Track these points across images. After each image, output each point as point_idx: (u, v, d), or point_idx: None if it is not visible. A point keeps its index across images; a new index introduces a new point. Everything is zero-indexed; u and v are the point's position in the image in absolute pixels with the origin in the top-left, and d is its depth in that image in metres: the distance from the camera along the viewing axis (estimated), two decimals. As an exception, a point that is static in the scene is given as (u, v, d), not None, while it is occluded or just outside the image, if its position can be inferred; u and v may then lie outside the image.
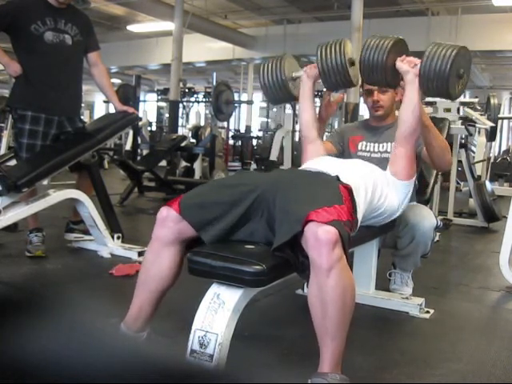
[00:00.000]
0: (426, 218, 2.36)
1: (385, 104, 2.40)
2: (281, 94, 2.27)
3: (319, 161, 2.08)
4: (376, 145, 2.43)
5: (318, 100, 7.35)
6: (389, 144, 2.40)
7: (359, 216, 1.71)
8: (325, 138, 2.71)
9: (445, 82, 1.90)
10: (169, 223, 1.58)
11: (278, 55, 2.33)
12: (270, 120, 16.92)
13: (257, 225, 1.61)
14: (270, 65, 2.25)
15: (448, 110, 4.69)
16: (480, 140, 6.36)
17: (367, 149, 2.44)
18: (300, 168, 2.03)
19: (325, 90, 2.37)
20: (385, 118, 2.45)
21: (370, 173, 1.98)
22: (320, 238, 1.38)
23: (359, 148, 2.46)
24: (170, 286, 1.63)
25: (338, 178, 1.74)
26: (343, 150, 2.51)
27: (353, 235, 1.58)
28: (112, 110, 3.61)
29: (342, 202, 1.54)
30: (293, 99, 2.38)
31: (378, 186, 1.93)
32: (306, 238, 1.42)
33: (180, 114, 11.06)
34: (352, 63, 2.11)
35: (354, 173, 1.87)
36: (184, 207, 1.59)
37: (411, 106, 2.00)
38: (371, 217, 1.96)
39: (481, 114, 5.47)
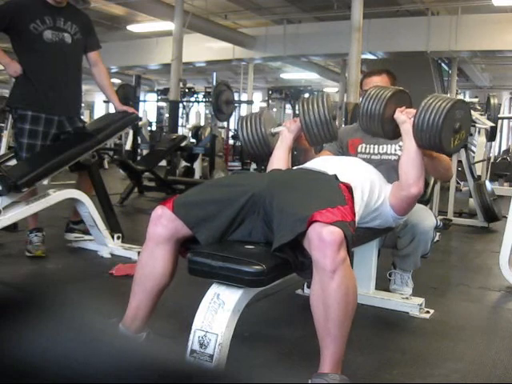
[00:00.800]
0: (426, 218, 2.36)
1: None
2: (261, 150, 2.17)
3: (317, 160, 2.08)
4: (376, 146, 2.42)
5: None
6: (388, 146, 2.40)
7: (356, 218, 1.70)
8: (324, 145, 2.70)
9: (437, 135, 1.84)
10: (163, 222, 1.58)
11: (256, 112, 2.25)
12: (269, 120, 16.87)
13: (254, 224, 1.61)
14: (248, 121, 2.17)
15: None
16: (480, 140, 6.35)
17: (367, 151, 2.44)
18: (297, 167, 2.02)
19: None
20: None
21: (367, 173, 1.97)
22: (325, 238, 1.38)
23: (359, 150, 2.46)
24: (167, 284, 1.63)
25: (336, 176, 1.74)
26: (343, 154, 2.51)
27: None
28: (112, 110, 3.61)
29: (345, 202, 1.54)
30: None
31: (376, 186, 1.92)
32: (309, 239, 1.41)
33: (180, 114, 11.04)
34: (334, 118, 2.07)
35: (350, 173, 1.86)
36: (177, 205, 1.59)
37: (410, 156, 1.95)
38: (369, 219, 1.95)
39: (481, 114, 5.48)
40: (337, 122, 2.16)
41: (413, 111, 1.97)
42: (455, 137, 1.92)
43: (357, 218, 1.73)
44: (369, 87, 2.38)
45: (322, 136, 2.07)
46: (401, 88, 2.07)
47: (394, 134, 2.07)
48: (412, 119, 1.93)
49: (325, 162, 1.98)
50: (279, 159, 2.09)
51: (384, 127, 2.02)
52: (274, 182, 1.66)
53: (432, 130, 1.84)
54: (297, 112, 2.29)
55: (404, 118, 1.99)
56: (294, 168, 2.01)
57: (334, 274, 1.39)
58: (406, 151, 1.97)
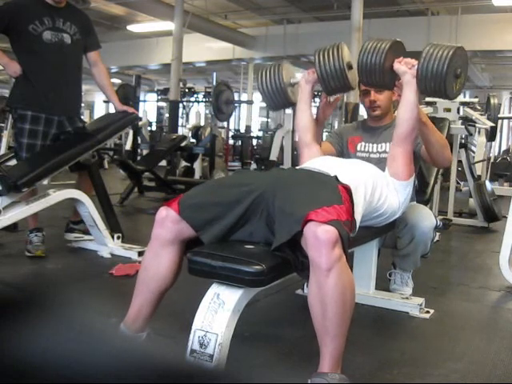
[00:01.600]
0: (426, 218, 2.36)
1: (382, 104, 2.40)
2: (280, 100, 2.28)
3: (319, 160, 2.08)
4: (375, 145, 2.43)
5: (318, 100, 7.35)
6: (387, 144, 2.40)
7: (358, 217, 1.71)
8: (324, 137, 2.71)
9: (442, 82, 1.91)
10: (168, 223, 1.58)
11: (275, 62, 2.33)
12: (269, 120, 16.93)
13: (256, 225, 1.61)
14: (267, 71, 2.26)
15: (448, 110, 4.69)
16: (480, 140, 6.36)
17: (366, 149, 2.44)
18: (299, 167, 2.03)
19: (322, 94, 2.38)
20: (382, 117, 2.45)
21: (369, 173, 1.98)
22: (319, 237, 1.38)
23: (358, 149, 2.46)
24: (170, 285, 1.63)
25: (336, 178, 1.74)
26: (342, 151, 2.52)
27: (352, 236, 1.57)
28: (112, 110, 3.61)
29: (342, 201, 1.54)
30: (291, 105, 2.38)
31: (378, 186, 1.93)
32: (305, 238, 1.42)
33: (180, 114, 11.05)
34: (350, 67, 2.12)
35: (353, 173, 1.87)
36: (183, 208, 1.59)
37: (409, 106, 2.02)
38: (371, 217, 1.96)
39: (481, 114, 5.47)
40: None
41: (412, 61, 2.02)
42: (456, 82, 2.00)
43: (359, 218, 1.73)
44: (367, 87, 2.38)
45: (338, 86, 2.14)
46: (397, 39, 2.11)
47: (393, 84, 2.14)
48: (412, 70, 1.99)
49: (327, 163, 1.98)
50: (301, 115, 2.27)
51: (385, 78, 2.07)
52: (277, 182, 1.66)
53: (437, 78, 1.91)
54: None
55: (404, 68, 2.03)
56: (297, 168, 2.02)
57: (329, 272, 1.39)
58: (406, 101, 2.02)
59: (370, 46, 2.05)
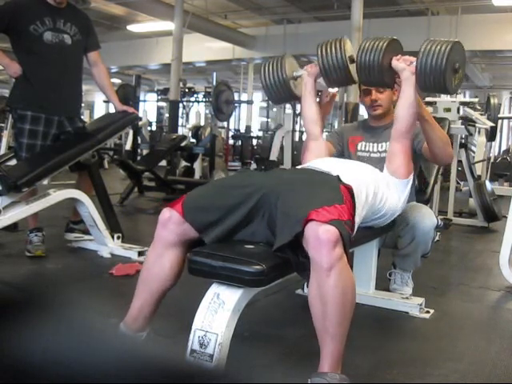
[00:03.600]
0: (427, 218, 2.36)
1: (383, 103, 2.40)
2: (282, 93, 2.28)
3: (321, 161, 2.08)
4: (375, 145, 2.43)
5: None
6: (388, 144, 2.39)
7: (357, 219, 1.70)
8: (324, 136, 2.71)
9: (441, 77, 1.92)
10: (171, 225, 1.58)
11: (279, 55, 2.34)
12: (269, 120, 16.92)
13: (258, 225, 1.61)
14: (270, 65, 2.27)
15: (448, 110, 4.68)
16: (480, 140, 6.35)
17: (366, 149, 2.44)
18: (301, 167, 2.03)
19: (322, 91, 2.38)
20: (383, 117, 2.45)
21: (371, 176, 1.98)
22: (320, 237, 1.38)
23: (359, 148, 2.46)
24: (171, 286, 1.64)
25: (338, 178, 1.74)
26: (342, 151, 2.52)
27: (351, 237, 1.57)
28: (112, 110, 3.61)
29: (343, 201, 1.54)
30: (294, 98, 2.39)
31: (380, 189, 1.93)
32: (306, 238, 1.42)
33: (180, 114, 11.05)
34: (352, 60, 2.14)
35: (355, 175, 1.87)
36: (187, 210, 1.59)
37: (407, 102, 2.03)
38: (372, 219, 1.96)
39: (481, 114, 5.47)
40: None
41: (410, 58, 2.03)
42: (455, 76, 2.01)
43: (358, 220, 1.73)
44: (367, 87, 2.39)
45: (340, 79, 2.16)
46: (394, 37, 2.11)
47: (393, 81, 2.14)
48: (411, 66, 2.00)
49: (329, 163, 1.98)
50: (308, 107, 2.26)
51: (384, 77, 2.08)
52: (279, 183, 1.65)
53: (436, 73, 1.92)
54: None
55: (403, 65, 2.04)
56: (299, 167, 2.02)
57: (330, 272, 1.39)
58: (405, 97, 2.03)
59: (367, 44, 2.06)
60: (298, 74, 2.30)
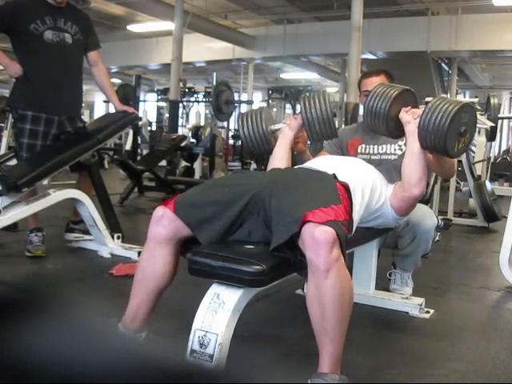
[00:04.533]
0: (427, 218, 2.36)
1: None
2: (262, 147, 2.16)
3: (317, 159, 2.08)
4: (375, 147, 2.43)
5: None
6: (388, 146, 2.40)
7: (355, 217, 1.70)
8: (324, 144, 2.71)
9: (443, 137, 1.84)
10: (164, 222, 1.58)
11: (255, 109, 2.25)
12: (269, 120, 16.88)
13: (254, 225, 1.61)
14: (249, 118, 2.16)
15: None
16: (480, 140, 6.35)
17: (367, 151, 2.44)
18: (298, 167, 2.02)
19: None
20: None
21: (369, 173, 1.97)
22: (317, 238, 1.38)
23: (359, 151, 2.45)
24: (167, 285, 1.63)
25: (334, 176, 1.74)
26: (342, 154, 2.51)
27: (349, 236, 1.57)
28: (112, 110, 3.61)
29: (340, 201, 1.54)
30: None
31: (378, 187, 1.92)
32: (303, 239, 1.42)
33: (180, 114, 11.05)
34: (334, 115, 2.09)
35: (352, 172, 1.86)
36: (179, 206, 1.59)
37: (414, 156, 1.94)
38: (372, 218, 1.95)
39: (481, 114, 5.46)
40: (337, 122, 2.17)
41: (418, 111, 1.96)
42: (460, 140, 1.92)
43: (357, 218, 1.73)
44: (367, 88, 2.38)
45: (324, 132, 2.08)
46: (407, 87, 2.06)
47: (398, 133, 2.07)
48: (417, 120, 1.92)
49: (326, 162, 1.98)
50: (280, 158, 2.08)
51: (389, 126, 2.01)
52: (274, 182, 1.65)
53: (437, 132, 1.84)
54: (297, 111, 2.28)
55: (409, 118, 1.97)
56: (295, 167, 2.01)
57: (327, 273, 1.39)
58: (410, 152, 1.96)
59: (379, 90, 2.01)
60: (276, 127, 2.18)
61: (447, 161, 2.17)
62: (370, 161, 2.34)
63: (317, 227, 1.39)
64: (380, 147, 2.41)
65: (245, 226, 1.62)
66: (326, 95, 2.08)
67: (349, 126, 2.88)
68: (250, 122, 2.15)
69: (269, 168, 2.07)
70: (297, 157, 2.34)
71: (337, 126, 2.42)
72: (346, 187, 1.65)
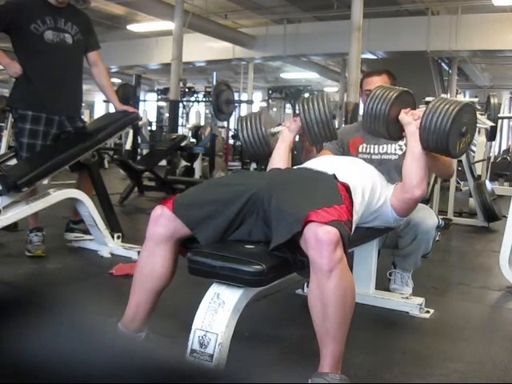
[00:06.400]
0: (428, 217, 2.36)
1: None
2: (262, 149, 2.16)
3: (318, 159, 2.08)
4: (376, 146, 2.43)
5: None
6: (388, 145, 2.40)
7: (355, 217, 1.70)
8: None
9: (444, 138, 1.84)
10: (162, 221, 1.58)
11: (255, 112, 2.24)
12: (269, 120, 16.88)
13: (253, 224, 1.61)
14: (248, 121, 2.16)
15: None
16: (480, 140, 6.35)
17: (367, 151, 2.44)
18: (297, 167, 2.02)
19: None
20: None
21: (369, 173, 1.97)
22: (321, 238, 1.37)
23: (360, 150, 2.45)
24: (166, 284, 1.63)
25: (335, 176, 1.74)
26: (344, 153, 2.51)
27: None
28: (112, 110, 3.61)
29: (342, 201, 1.54)
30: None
31: (378, 187, 1.92)
32: (305, 239, 1.41)
33: (180, 114, 11.05)
34: (333, 117, 2.09)
35: (352, 172, 1.86)
36: (177, 206, 1.59)
37: (415, 157, 1.93)
38: (370, 219, 1.95)
39: (481, 114, 5.46)
40: (336, 122, 2.16)
41: (418, 113, 1.96)
42: (461, 140, 1.92)
43: (356, 218, 1.73)
44: (369, 87, 2.38)
45: (323, 135, 2.07)
46: (406, 89, 2.05)
47: (398, 135, 2.07)
48: (417, 121, 1.93)
49: (325, 162, 1.98)
50: (279, 159, 2.08)
51: (389, 128, 2.01)
52: (274, 181, 1.65)
53: (439, 133, 1.84)
54: (297, 112, 2.28)
55: (409, 119, 1.97)
56: (294, 168, 2.01)
57: (330, 274, 1.39)
58: (411, 153, 1.95)
59: (378, 92, 2.01)
60: (275, 130, 2.18)
61: (444, 162, 2.17)
62: (370, 160, 2.34)
63: (320, 227, 1.39)
64: (381, 147, 2.41)
65: (244, 226, 1.62)
66: (325, 97, 2.07)
67: (350, 125, 2.88)
68: (249, 126, 2.15)
69: (268, 169, 2.08)
70: (301, 155, 2.33)
71: (336, 126, 2.42)
72: (347, 187, 1.65)
